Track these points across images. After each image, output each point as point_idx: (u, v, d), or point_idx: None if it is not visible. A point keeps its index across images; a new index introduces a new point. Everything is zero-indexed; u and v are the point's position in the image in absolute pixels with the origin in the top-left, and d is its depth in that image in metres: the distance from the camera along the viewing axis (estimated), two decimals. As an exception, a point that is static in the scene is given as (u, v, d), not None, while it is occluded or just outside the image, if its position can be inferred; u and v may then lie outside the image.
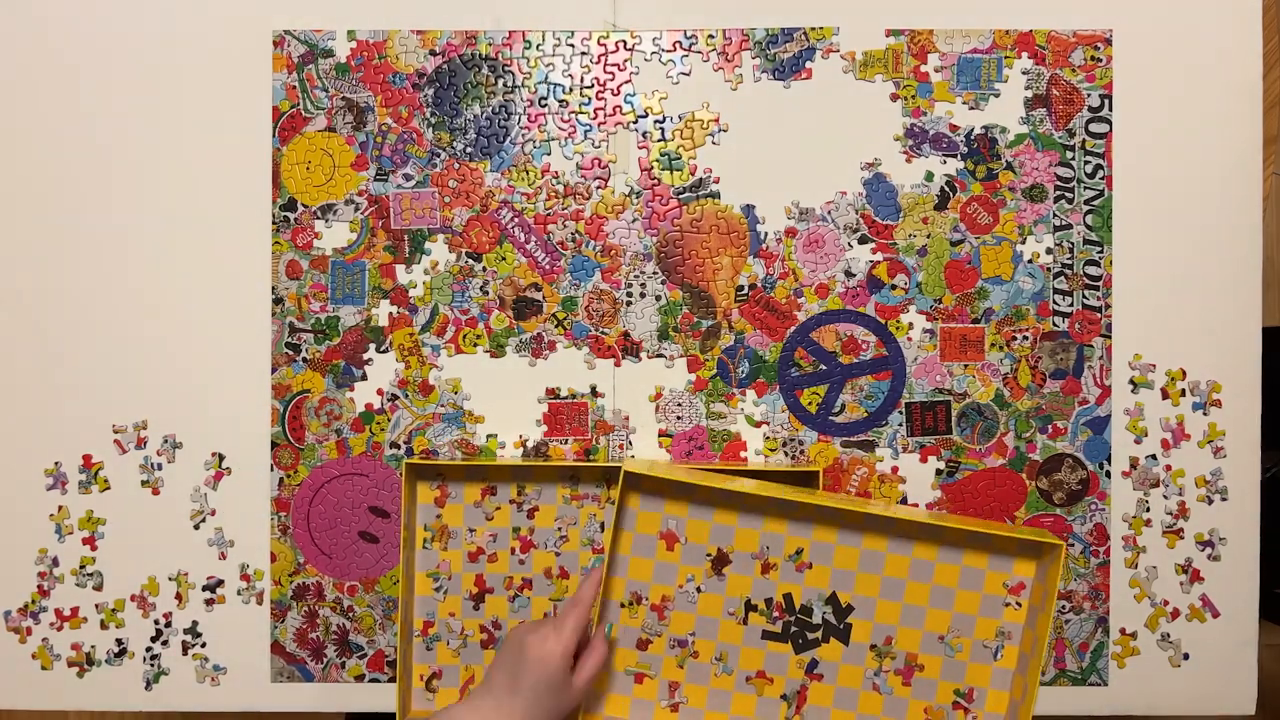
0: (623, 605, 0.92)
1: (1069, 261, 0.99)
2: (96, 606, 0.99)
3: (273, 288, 0.99)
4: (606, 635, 0.89)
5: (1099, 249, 0.99)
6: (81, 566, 0.99)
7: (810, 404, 0.99)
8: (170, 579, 0.99)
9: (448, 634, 0.97)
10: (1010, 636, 0.91)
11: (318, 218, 0.99)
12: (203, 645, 0.99)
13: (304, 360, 0.99)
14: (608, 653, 0.88)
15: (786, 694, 0.92)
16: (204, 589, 0.99)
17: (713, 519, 0.91)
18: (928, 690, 0.91)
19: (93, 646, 0.99)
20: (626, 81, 0.99)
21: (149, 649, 0.99)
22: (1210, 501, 0.99)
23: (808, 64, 0.99)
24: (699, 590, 0.92)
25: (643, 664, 0.92)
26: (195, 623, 0.99)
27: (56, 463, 0.99)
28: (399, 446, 0.99)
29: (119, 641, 0.99)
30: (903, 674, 0.91)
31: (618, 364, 0.99)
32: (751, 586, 0.91)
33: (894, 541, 0.91)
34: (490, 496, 0.97)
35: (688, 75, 0.99)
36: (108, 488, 0.99)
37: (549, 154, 0.99)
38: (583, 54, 0.99)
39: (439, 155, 0.99)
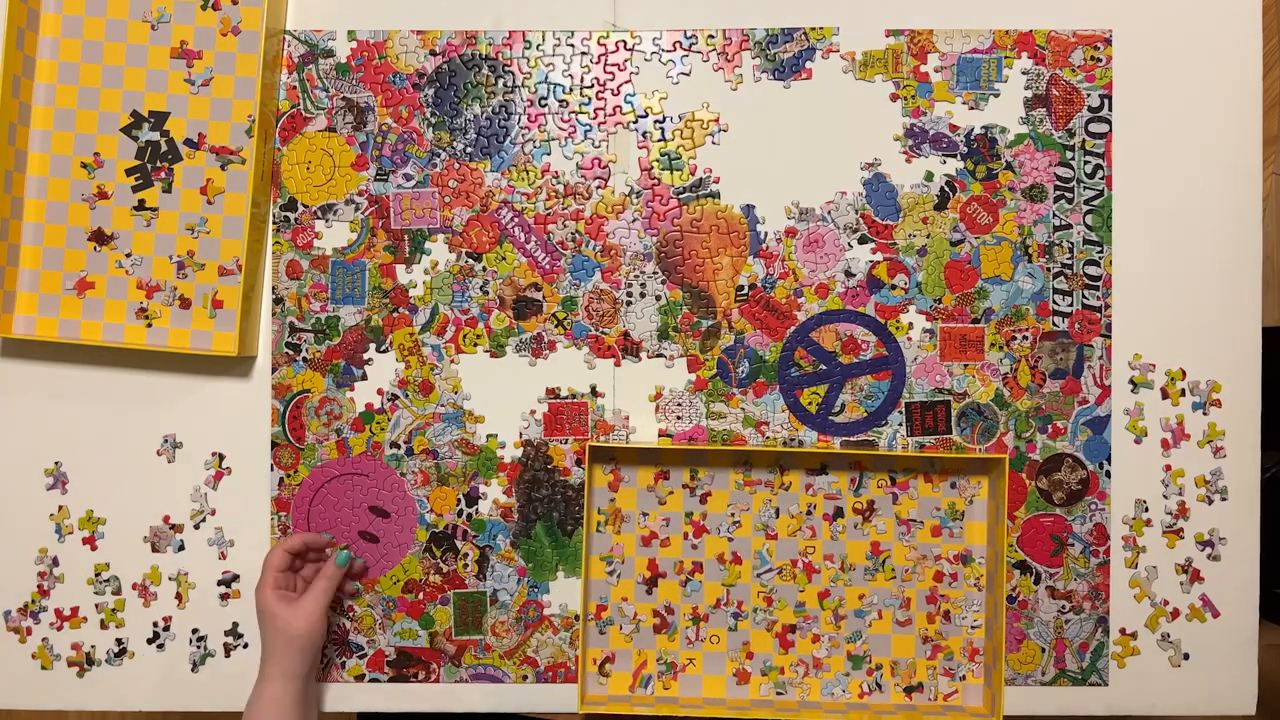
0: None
1: (1069, 261, 0.99)
2: (96, 606, 0.99)
3: (273, 288, 0.99)
4: (339, 563, 0.92)
5: (1099, 249, 0.99)
6: (97, 574, 0.99)
7: (810, 404, 0.99)
8: (170, 579, 0.99)
9: (620, 618, 0.97)
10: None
11: (318, 218, 0.99)
12: (202, 640, 0.99)
13: (304, 360, 0.99)
14: (337, 575, 0.92)
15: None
16: (219, 583, 0.99)
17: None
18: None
19: (93, 646, 0.99)
20: (626, 81, 0.99)
21: (154, 638, 0.99)
22: (1210, 501, 0.99)
23: (808, 64, 0.99)
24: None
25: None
26: (195, 628, 0.99)
27: (57, 462, 0.99)
28: (399, 446, 0.99)
29: (119, 641, 0.99)
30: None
31: (618, 364, 0.99)
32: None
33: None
34: (664, 481, 0.98)
35: (688, 75, 0.99)
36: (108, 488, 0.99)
37: (549, 154, 0.99)
38: (583, 54, 0.99)
39: (439, 155, 0.99)
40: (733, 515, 0.98)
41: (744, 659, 0.97)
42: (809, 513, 0.97)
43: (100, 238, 0.98)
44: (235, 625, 0.99)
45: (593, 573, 0.97)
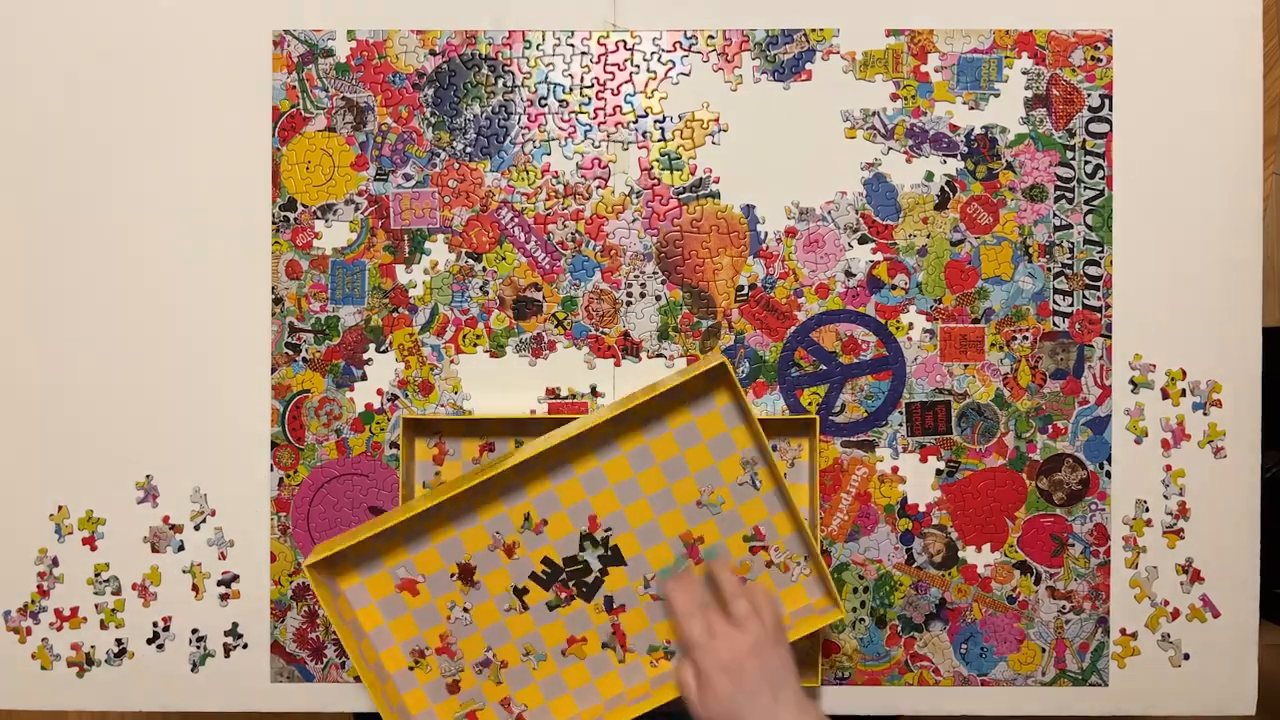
0: (411, 668, 0.89)
1: (1069, 261, 0.99)
2: (96, 606, 0.99)
3: (273, 288, 0.99)
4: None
5: (1099, 249, 0.99)
6: (97, 574, 0.99)
7: (810, 404, 0.99)
8: (184, 571, 0.99)
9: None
10: (754, 462, 0.89)
11: (318, 218, 0.99)
12: (201, 640, 0.99)
13: (304, 360, 0.99)
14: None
15: (606, 642, 0.90)
16: (219, 583, 0.99)
17: (431, 543, 0.89)
18: (722, 555, 0.90)
19: (92, 646, 0.99)
20: (626, 81, 0.99)
21: (154, 638, 0.99)
22: (1210, 501, 0.99)
23: (808, 65, 0.99)
24: (466, 610, 0.89)
25: (466, 703, 0.90)
26: (195, 628, 0.99)
27: (56, 462, 0.99)
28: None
29: (119, 641, 0.99)
30: (691, 555, 0.90)
31: (618, 364, 0.99)
32: (509, 575, 0.89)
33: (600, 451, 0.88)
34: (488, 454, 0.96)
35: (688, 75, 0.99)
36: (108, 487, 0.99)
37: (549, 154, 0.99)
38: (583, 54, 0.99)
39: (439, 155, 0.99)
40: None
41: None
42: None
43: None
44: (235, 625, 0.99)
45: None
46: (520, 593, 0.90)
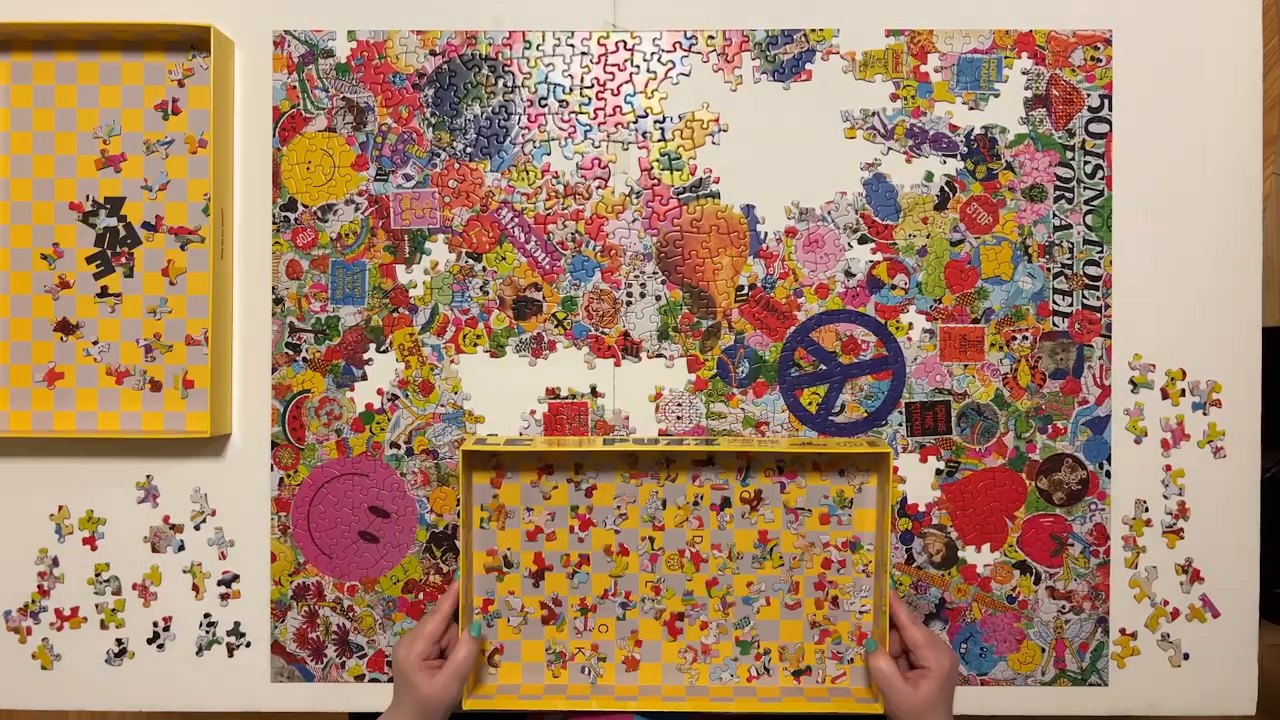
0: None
1: (1069, 261, 0.99)
2: (96, 606, 0.99)
3: (273, 288, 0.99)
4: (473, 634, 0.90)
5: (1099, 249, 0.99)
6: (97, 574, 0.99)
7: (810, 404, 0.99)
8: (185, 571, 0.99)
9: (508, 611, 0.97)
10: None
11: (318, 218, 0.99)
12: (202, 640, 0.99)
13: (304, 360, 0.99)
14: (474, 648, 0.90)
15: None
16: (219, 583, 0.99)
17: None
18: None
19: (93, 646, 0.99)
20: (626, 81, 0.99)
21: (154, 638, 0.99)
22: (1210, 501, 0.99)
23: (808, 65, 0.99)
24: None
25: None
26: (207, 615, 0.99)
27: (57, 462, 0.99)
28: (399, 446, 0.99)
29: (119, 641, 0.99)
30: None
31: (618, 364, 0.99)
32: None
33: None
34: (547, 476, 0.97)
35: (688, 75, 0.99)
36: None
37: (549, 154, 0.99)
38: (583, 54, 0.99)
39: (439, 155, 0.99)
40: (619, 508, 0.97)
41: (633, 647, 0.97)
42: (696, 504, 0.97)
43: (66, 328, 0.98)
44: (237, 624, 0.99)
45: (476, 568, 0.96)
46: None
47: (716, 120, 0.99)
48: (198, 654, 0.99)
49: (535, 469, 0.96)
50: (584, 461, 0.96)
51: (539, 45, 0.99)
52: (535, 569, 0.97)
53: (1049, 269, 0.99)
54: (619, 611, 0.97)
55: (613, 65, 0.99)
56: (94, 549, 0.99)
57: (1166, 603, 0.99)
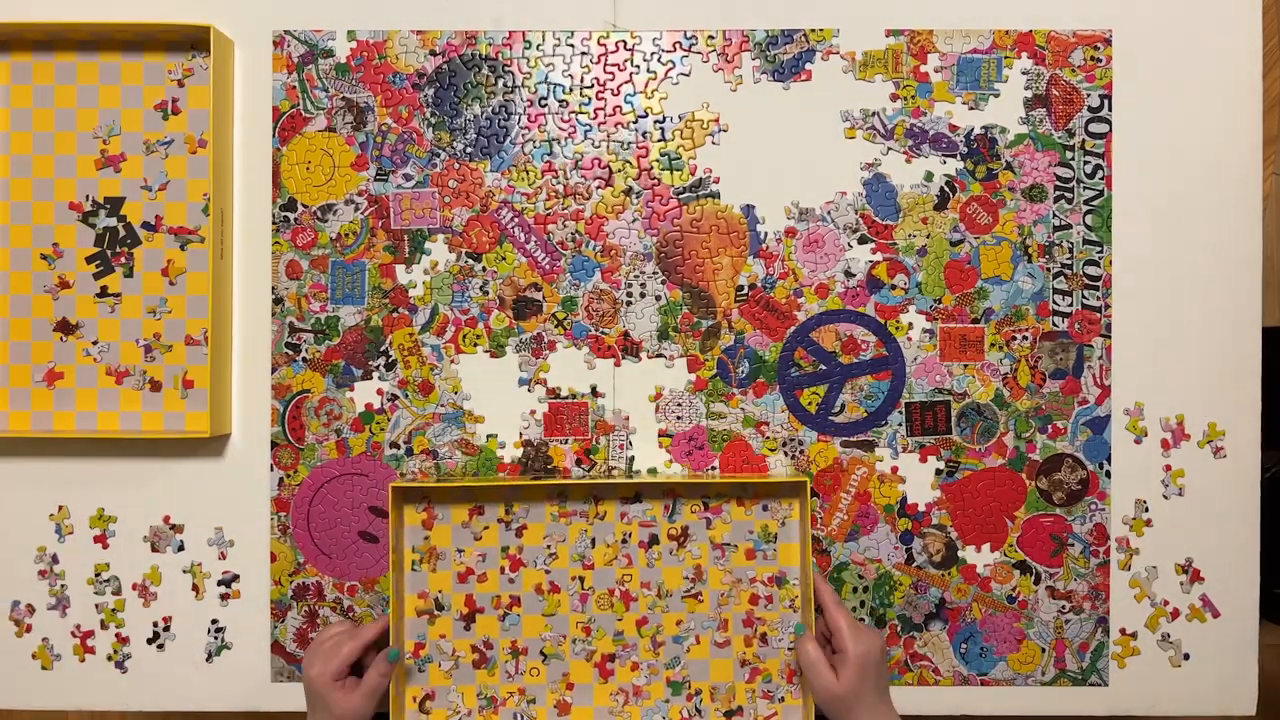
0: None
1: (1068, 261, 0.99)
2: (96, 606, 0.99)
3: (273, 288, 0.99)
4: (391, 659, 0.90)
5: (1098, 249, 0.99)
6: (97, 574, 0.99)
7: (810, 404, 0.99)
8: (184, 571, 0.99)
9: (439, 655, 0.96)
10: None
11: (318, 218, 0.99)
12: (201, 641, 0.99)
13: (304, 360, 0.99)
14: (390, 670, 0.90)
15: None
16: (219, 583, 0.99)
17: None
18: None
19: (93, 646, 0.99)
20: (626, 81, 0.99)
21: (154, 638, 0.99)
22: (1210, 502, 0.99)
23: (807, 65, 0.99)
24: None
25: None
26: (195, 628, 0.99)
27: (57, 462, 0.99)
28: (399, 446, 0.99)
29: (119, 641, 0.99)
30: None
31: (618, 364, 0.99)
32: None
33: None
34: (478, 516, 0.97)
35: (688, 75, 0.99)
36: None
37: (549, 154, 0.99)
38: (583, 54, 0.99)
39: (439, 155, 0.99)
40: (549, 547, 0.97)
41: (565, 690, 0.96)
42: (624, 541, 0.97)
43: (65, 328, 0.98)
44: (237, 624, 0.99)
45: (407, 612, 0.96)
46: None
47: (716, 120, 0.99)
48: (198, 655, 0.99)
49: (467, 508, 0.96)
50: (514, 499, 0.96)
51: (539, 45, 0.99)
52: (466, 611, 0.96)
53: (1049, 269, 0.99)
54: (545, 658, 0.96)
55: (613, 65, 0.99)
56: (105, 547, 0.99)
57: (1166, 603, 0.99)
